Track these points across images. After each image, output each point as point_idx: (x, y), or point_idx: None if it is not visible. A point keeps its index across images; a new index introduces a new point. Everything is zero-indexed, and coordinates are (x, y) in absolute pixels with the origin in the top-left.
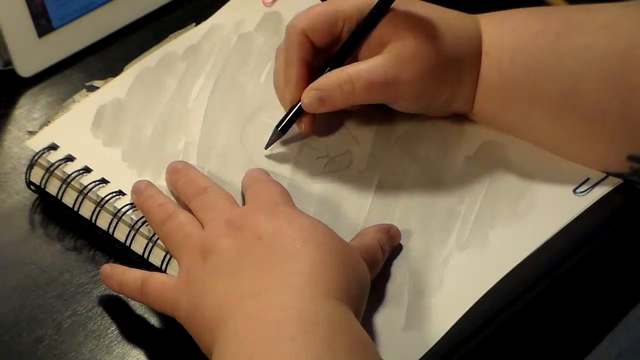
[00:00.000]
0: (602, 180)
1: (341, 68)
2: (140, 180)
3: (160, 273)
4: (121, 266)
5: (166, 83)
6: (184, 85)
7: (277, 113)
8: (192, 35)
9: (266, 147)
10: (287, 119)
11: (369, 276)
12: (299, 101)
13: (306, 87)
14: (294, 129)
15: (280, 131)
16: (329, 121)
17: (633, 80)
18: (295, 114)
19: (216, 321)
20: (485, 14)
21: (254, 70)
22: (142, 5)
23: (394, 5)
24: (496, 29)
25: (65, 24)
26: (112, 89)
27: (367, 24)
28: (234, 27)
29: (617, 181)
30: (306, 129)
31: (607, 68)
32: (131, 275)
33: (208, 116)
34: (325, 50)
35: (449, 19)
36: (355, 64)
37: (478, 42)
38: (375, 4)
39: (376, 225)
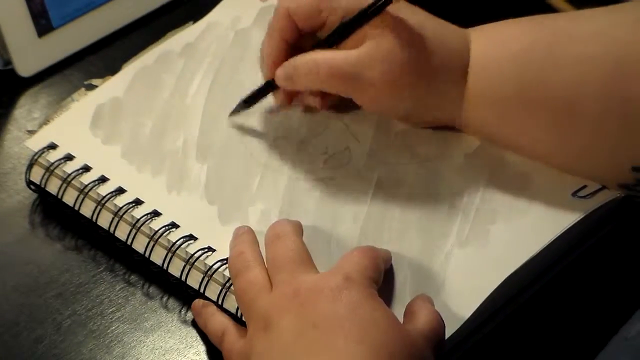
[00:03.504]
0: (600, 189)
1: (313, 51)
2: (240, 226)
3: (235, 327)
4: (211, 307)
5: (164, 81)
6: (182, 82)
7: (277, 110)
8: (189, 32)
9: (229, 115)
10: (254, 91)
11: None
12: (272, 77)
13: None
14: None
15: (245, 102)
16: (327, 118)
17: (631, 89)
18: (264, 89)
19: None
20: (476, 27)
21: (252, 67)
22: (142, 5)
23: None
24: (486, 43)
25: (65, 23)
26: (110, 88)
27: (354, 20)
28: (230, 23)
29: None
30: (279, 102)
31: (603, 77)
32: (216, 322)
33: (207, 112)
34: (310, 34)
35: (437, 30)
36: (327, 50)
37: (465, 53)
38: (368, 4)
39: (415, 298)
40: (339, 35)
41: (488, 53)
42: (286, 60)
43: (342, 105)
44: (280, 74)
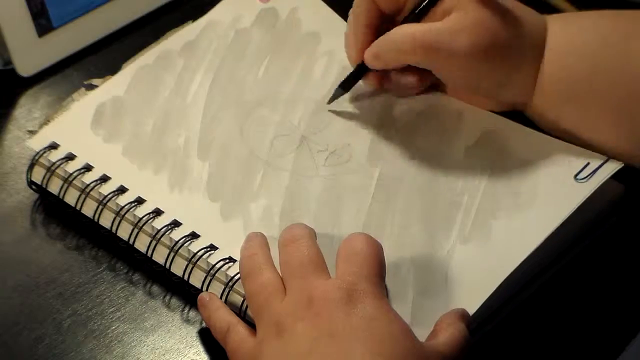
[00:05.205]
0: (603, 164)
1: (398, 26)
2: (253, 232)
3: (243, 326)
4: (217, 301)
5: (164, 79)
6: (182, 81)
7: (277, 107)
8: (189, 31)
9: (328, 103)
10: (349, 75)
11: None
12: (362, 60)
13: None
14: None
15: (342, 88)
16: (328, 115)
17: None
18: (358, 72)
19: None
20: (553, 15)
21: (252, 66)
22: (142, 5)
23: None
24: (563, 27)
25: (65, 23)
26: (110, 87)
27: None
28: (230, 23)
29: (618, 165)
30: (371, 85)
31: None
32: (221, 318)
33: (207, 111)
34: (392, 16)
35: (517, 5)
36: (411, 24)
37: (542, 35)
38: None
39: (448, 313)
40: (423, 8)
41: (563, 38)
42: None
43: (341, 98)
44: (368, 54)
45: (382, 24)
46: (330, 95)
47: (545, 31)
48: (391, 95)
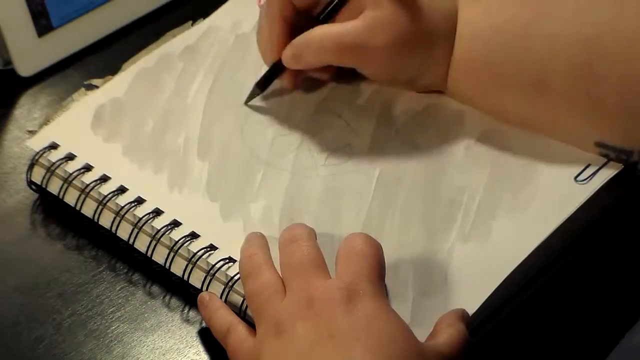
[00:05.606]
0: (603, 166)
1: (316, 27)
2: (253, 232)
3: (243, 326)
4: (218, 301)
5: (165, 81)
6: (182, 83)
7: (277, 107)
8: (189, 35)
9: (245, 103)
10: (265, 75)
11: None
12: (279, 58)
13: (287, 45)
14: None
15: (258, 87)
16: (327, 116)
17: (598, 70)
18: (274, 71)
19: None
20: None
21: (253, 69)
22: (142, 5)
23: None
24: (471, 11)
25: (65, 23)
26: (110, 89)
27: None
28: (231, 27)
29: (618, 167)
30: (287, 84)
31: (573, 57)
32: (221, 317)
33: (207, 112)
34: (306, 11)
35: None
36: (329, 24)
37: (453, 21)
38: None
39: (447, 314)
40: (335, 7)
41: (470, 23)
42: (289, 40)
43: (340, 101)
44: (287, 55)
45: (296, 20)
46: (248, 95)
47: (455, 16)
48: (391, 95)
